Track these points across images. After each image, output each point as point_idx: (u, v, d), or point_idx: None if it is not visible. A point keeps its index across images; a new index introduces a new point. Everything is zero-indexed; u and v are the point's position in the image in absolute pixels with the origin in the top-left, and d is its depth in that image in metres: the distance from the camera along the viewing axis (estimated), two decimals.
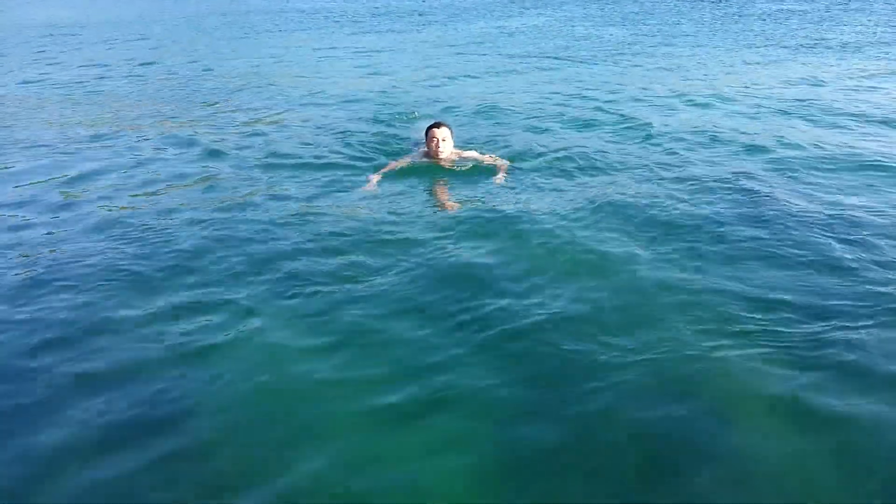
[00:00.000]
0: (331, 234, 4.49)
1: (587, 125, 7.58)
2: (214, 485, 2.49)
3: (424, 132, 5.76)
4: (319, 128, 7.61)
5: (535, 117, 7.93)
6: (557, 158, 6.09)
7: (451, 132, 5.69)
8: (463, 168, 5.59)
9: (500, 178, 5.33)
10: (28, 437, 2.75)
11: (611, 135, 7.06)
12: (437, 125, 5.66)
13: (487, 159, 5.74)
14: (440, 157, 5.58)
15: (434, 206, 4.99)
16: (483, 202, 4.96)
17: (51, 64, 13.95)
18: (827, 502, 2.37)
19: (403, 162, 5.78)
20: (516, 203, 4.94)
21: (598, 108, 8.33)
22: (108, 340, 3.41)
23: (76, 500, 2.42)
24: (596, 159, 6.12)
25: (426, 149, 5.72)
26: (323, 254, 4.23)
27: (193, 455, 2.62)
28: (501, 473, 2.51)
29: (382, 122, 7.82)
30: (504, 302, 3.57)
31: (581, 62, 12.19)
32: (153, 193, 5.59)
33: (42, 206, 5.40)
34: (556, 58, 12.80)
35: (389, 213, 4.81)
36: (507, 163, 5.70)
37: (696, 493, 2.39)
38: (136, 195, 5.59)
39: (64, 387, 3.06)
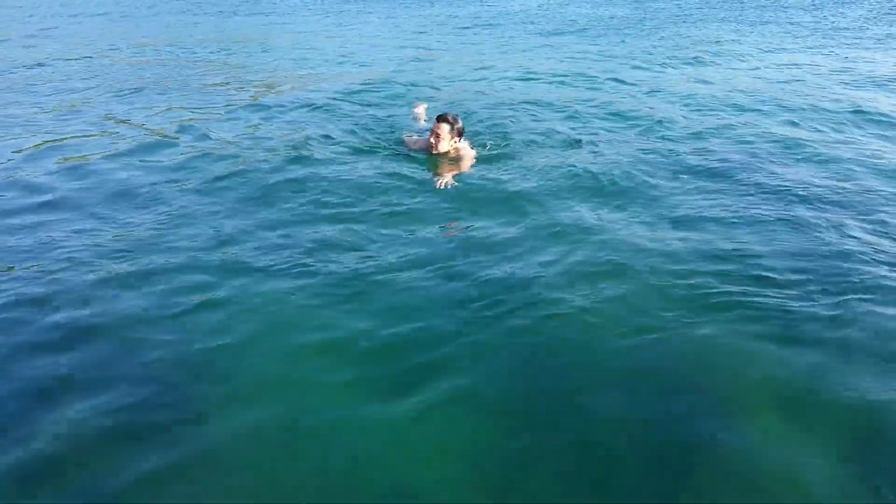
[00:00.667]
0: (330, 215, 4.49)
1: (585, 102, 7.57)
2: (206, 468, 2.50)
3: (441, 115, 5.61)
4: (320, 107, 7.54)
5: (532, 93, 7.91)
6: (554, 137, 6.11)
7: (453, 127, 5.47)
8: (454, 165, 5.38)
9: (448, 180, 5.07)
10: (16, 414, 2.77)
11: (609, 111, 7.04)
12: (440, 118, 5.53)
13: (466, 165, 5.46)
14: (432, 151, 5.54)
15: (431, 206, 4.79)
16: (478, 189, 4.93)
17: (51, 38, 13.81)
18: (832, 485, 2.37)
19: (412, 143, 5.75)
20: (510, 187, 4.96)
21: (598, 85, 8.35)
22: (105, 311, 3.42)
23: (62, 482, 2.43)
24: (595, 139, 6.14)
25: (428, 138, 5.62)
26: (320, 232, 4.23)
27: (186, 435, 2.62)
28: (495, 454, 2.52)
29: (382, 103, 7.74)
30: (500, 286, 3.58)
31: (585, 42, 12.11)
32: (152, 171, 5.55)
33: (36, 183, 5.33)
34: (558, 34, 12.73)
35: (385, 198, 4.79)
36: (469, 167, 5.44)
37: (698, 484, 2.39)
38: (136, 170, 5.56)
39: (53, 361, 3.06)
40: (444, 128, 5.44)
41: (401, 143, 5.94)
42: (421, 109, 6.85)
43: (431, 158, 5.49)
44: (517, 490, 2.35)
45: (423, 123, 6.44)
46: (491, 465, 2.46)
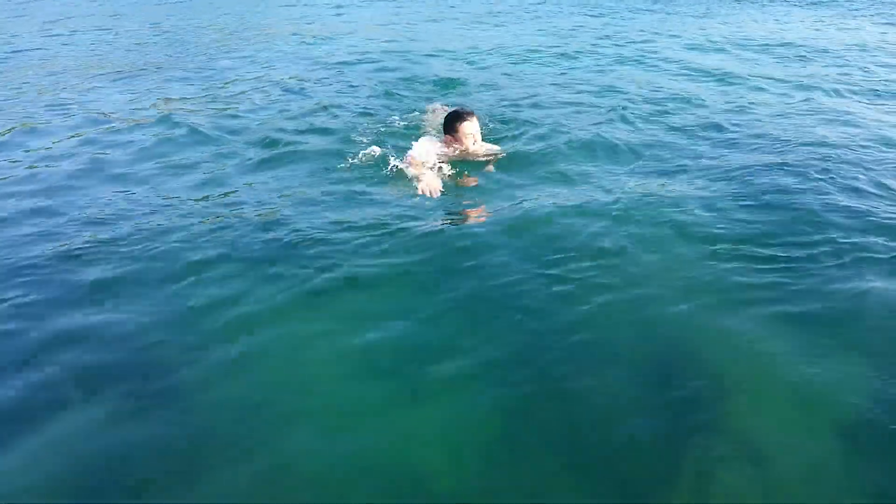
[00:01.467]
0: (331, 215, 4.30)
1: (591, 77, 7.47)
2: (204, 445, 2.53)
3: (448, 121, 4.83)
4: (327, 92, 7.33)
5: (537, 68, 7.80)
6: (558, 114, 6.01)
7: (470, 120, 4.80)
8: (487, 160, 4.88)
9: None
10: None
11: (613, 86, 6.96)
12: (469, 116, 4.77)
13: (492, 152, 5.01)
14: (470, 151, 4.84)
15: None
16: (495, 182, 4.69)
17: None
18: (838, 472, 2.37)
19: (427, 153, 4.73)
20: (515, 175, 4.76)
21: (601, 58, 8.22)
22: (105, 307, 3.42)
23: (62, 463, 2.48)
24: (604, 119, 6.01)
25: (456, 143, 4.82)
26: (327, 222, 4.12)
27: (182, 409, 2.67)
28: (502, 444, 2.52)
29: (390, 89, 7.40)
30: (510, 275, 3.52)
31: (582, 16, 11.92)
32: (149, 163, 5.46)
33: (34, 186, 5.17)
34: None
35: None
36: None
37: (703, 470, 2.38)
38: (117, 152, 5.50)
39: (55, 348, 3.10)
40: (478, 125, 4.82)
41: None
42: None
43: (468, 163, 4.84)
44: (523, 478, 2.36)
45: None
46: (497, 455, 2.46)
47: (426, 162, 4.61)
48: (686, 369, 2.79)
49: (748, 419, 2.54)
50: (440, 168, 4.59)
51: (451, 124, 4.77)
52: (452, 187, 4.46)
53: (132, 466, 2.46)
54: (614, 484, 2.31)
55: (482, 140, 4.95)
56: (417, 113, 6.19)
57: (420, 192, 4.19)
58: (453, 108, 4.99)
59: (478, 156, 4.85)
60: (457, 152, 4.81)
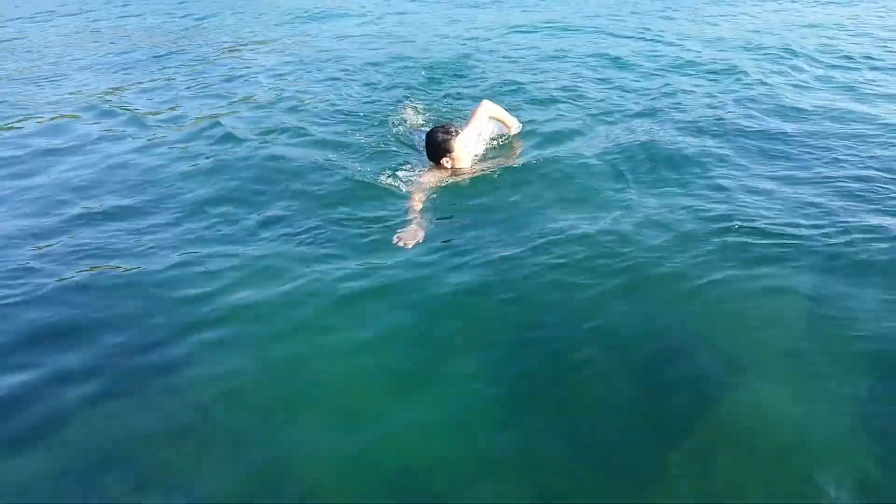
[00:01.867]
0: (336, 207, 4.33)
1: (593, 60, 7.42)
2: (210, 441, 2.58)
3: (437, 146, 4.52)
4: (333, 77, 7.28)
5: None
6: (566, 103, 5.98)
7: (458, 134, 4.52)
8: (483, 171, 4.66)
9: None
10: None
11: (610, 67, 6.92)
12: (456, 132, 4.51)
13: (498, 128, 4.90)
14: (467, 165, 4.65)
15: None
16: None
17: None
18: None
19: (426, 186, 4.46)
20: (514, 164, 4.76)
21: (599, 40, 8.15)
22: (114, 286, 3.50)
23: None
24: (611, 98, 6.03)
25: (452, 162, 4.57)
26: (332, 213, 4.18)
27: (188, 408, 2.72)
28: (503, 434, 2.56)
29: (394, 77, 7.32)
30: (510, 262, 3.56)
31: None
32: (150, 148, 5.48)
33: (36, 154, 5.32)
34: None
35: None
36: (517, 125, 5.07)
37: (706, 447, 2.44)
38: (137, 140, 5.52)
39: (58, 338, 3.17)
40: (461, 146, 4.53)
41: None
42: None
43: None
44: (524, 478, 2.40)
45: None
46: (498, 454, 2.50)
47: (428, 190, 4.40)
48: (692, 370, 2.80)
49: (756, 421, 2.56)
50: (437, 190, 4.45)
51: (446, 145, 4.48)
52: (453, 191, 4.46)
53: (128, 448, 2.53)
54: (614, 482, 2.36)
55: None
56: (416, 106, 6.15)
57: (394, 241, 3.78)
58: (431, 130, 4.62)
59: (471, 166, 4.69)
60: (452, 169, 4.60)
